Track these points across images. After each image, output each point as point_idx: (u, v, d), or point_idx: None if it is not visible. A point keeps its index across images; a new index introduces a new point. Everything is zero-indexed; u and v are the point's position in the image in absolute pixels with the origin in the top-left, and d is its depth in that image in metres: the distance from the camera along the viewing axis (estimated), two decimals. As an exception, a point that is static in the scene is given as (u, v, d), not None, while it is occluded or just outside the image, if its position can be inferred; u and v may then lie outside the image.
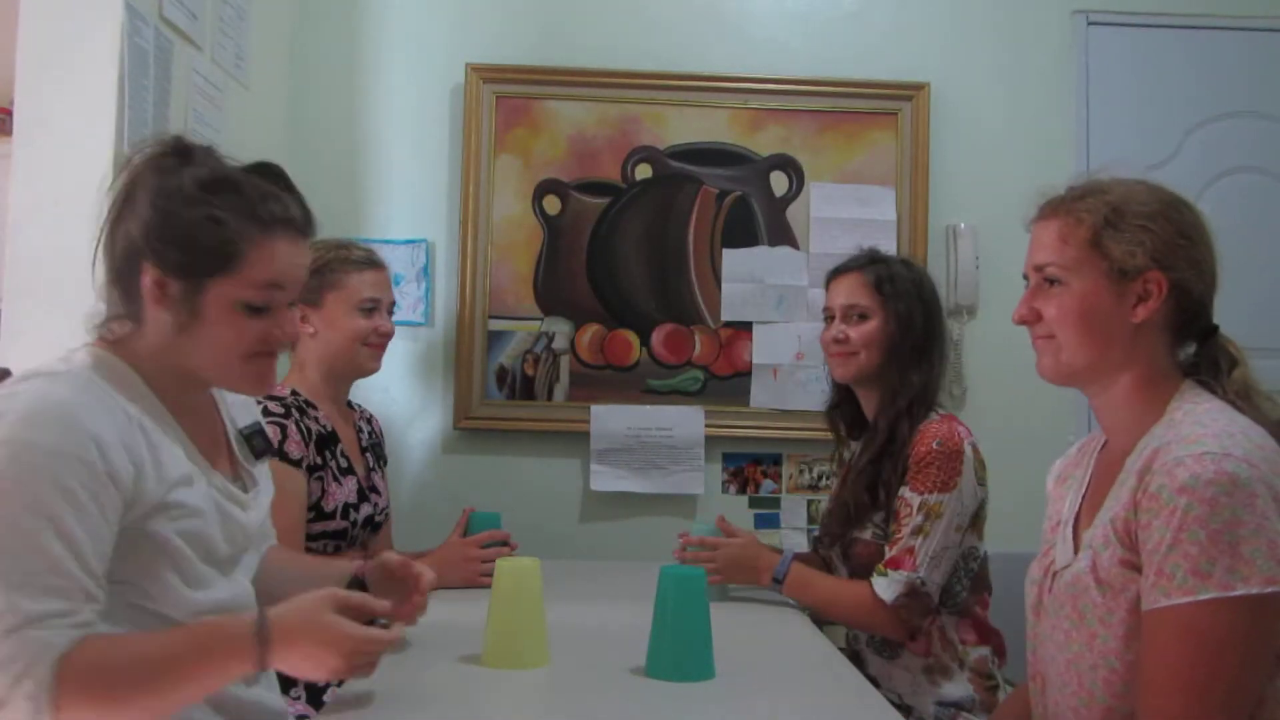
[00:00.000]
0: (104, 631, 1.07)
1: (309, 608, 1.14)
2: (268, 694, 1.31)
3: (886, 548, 1.76)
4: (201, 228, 1.15)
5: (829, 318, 1.95)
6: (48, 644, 1.01)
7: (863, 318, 1.89)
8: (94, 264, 1.21)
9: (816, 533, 2.06)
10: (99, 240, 1.20)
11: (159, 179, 1.16)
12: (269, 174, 1.24)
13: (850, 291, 1.91)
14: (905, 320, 1.86)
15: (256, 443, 1.37)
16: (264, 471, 1.39)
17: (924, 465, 1.75)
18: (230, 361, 1.20)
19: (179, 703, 1.10)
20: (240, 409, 1.39)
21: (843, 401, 2.01)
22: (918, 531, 1.72)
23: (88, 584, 1.05)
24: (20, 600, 1.00)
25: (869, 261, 1.94)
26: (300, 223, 1.23)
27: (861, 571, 1.84)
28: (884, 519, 1.82)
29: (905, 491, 1.76)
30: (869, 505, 1.84)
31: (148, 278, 1.16)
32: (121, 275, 1.18)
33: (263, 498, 1.36)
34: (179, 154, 1.19)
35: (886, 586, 1.73)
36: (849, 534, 1.87)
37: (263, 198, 1.19)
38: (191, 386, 1.26)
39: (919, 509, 1.73)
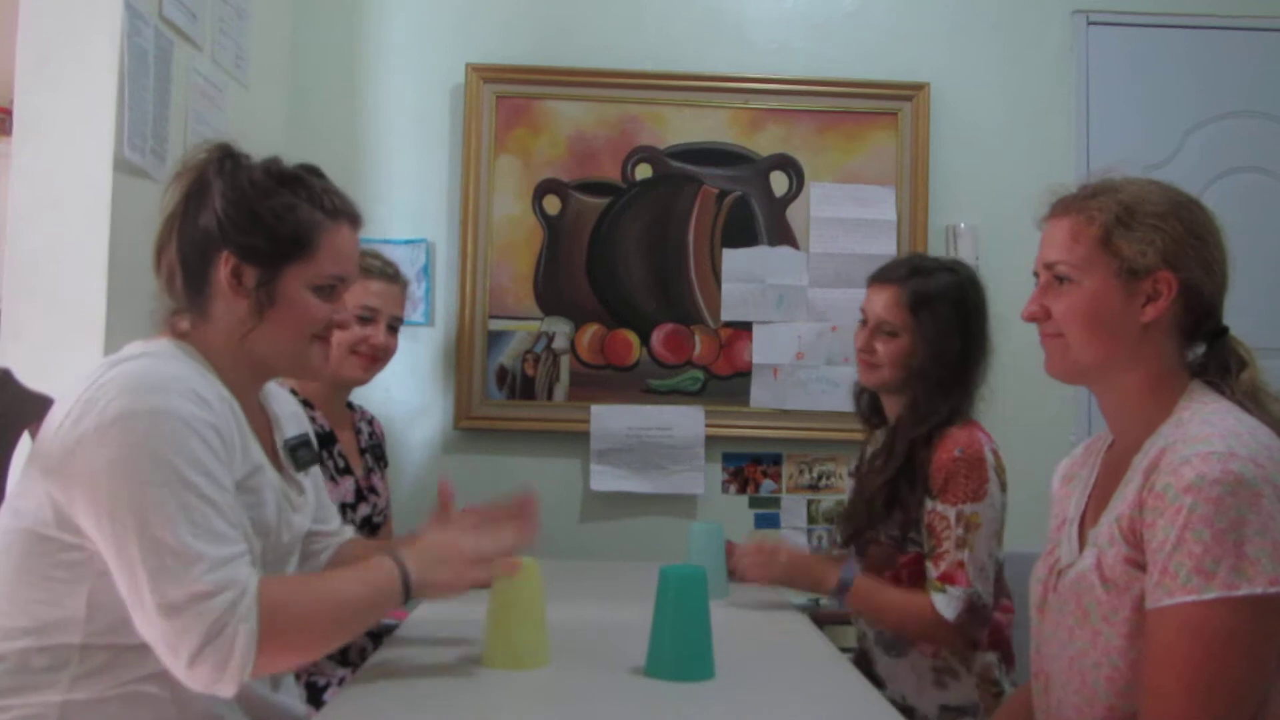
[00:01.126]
0: None
1: (426, 543, 1.30)
2: (289, 698, 1.34)
3: (929, 563, 1.72)
4: (280, 216, 1.23)
5: (863, 320, 1.91)
6: (245, 579, 1.08)
7: (892, 335, 1.83)
8: (156, 259, 1.26)
9: (833, 529, 2.03)
10: (162, 241, 1.25)
11: (226, 177, 1.23)
12: (315, 171, 1.32)
13: (885, 305, 1.85)
14: (938, 346, 1.80)
15: (302, 454, 1.40)
16: (309, 484, 1.42)
17: (951, 476, 1.71)
18: (300, 343, 1.28)
19: (350, 638, 1.24)
20: (290, 420, 1.42)
21: (868, 393, 1.98)
22: (962, 544, 1.68)
23: (240, 526, 1.14)
24: (207, 547, 1.07)
25: (910, 274, 1.85)
26: (356, 215, 1.33)
27: (874, 571, 1.85)
28: (898, 526, 1.80)
29: (937, 505, 1.72)
30: (884, 517, 1.81)
31: (224, 268, 1.22)
32: (192, 269, 1.23)
33: (309, 505, 1.39)
34: (234, 156, 1.26)
35: (947, 604, 1.67)
36: (863, 536, 1.87)
37: (325, 190, 1.28)
38: (252, 381, 1.31)
39: (957, 521, 1.69)
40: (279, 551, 1.29)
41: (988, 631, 1.75)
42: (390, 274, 2.03)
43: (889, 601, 1.78)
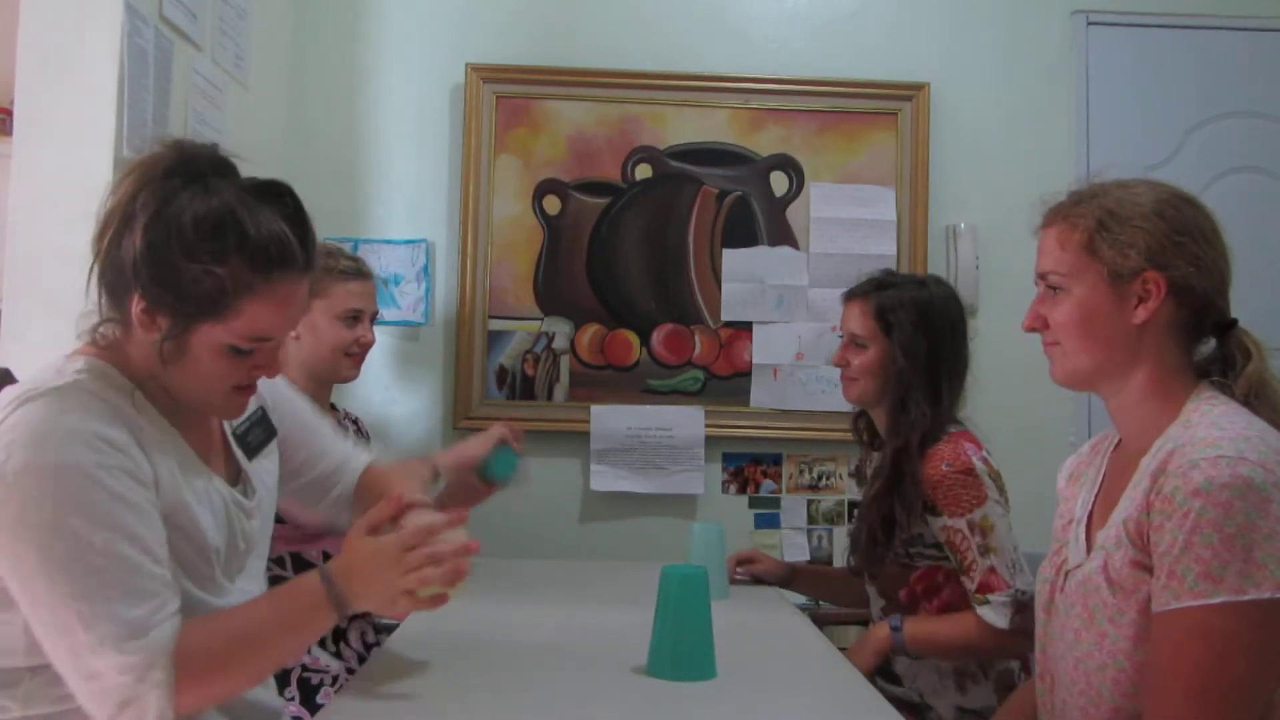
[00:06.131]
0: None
1: (348, 548, 1.20)
2: (266, 693, 1.32)
3: (964, 579, 1.74)
4: (196, 277, 1.10)
5: (843, 339, 1.97)
6: (160, 640, 1.05)
7: (861, 347, 1.89)
8: (91, 268, 1.18)
9: (848, 560, 2.06)
10: (94, 246, 1.17)
11: (158, 205, 1.10)
12: (276, 196, 1.16)
13: (854, 319, 1.92)
14: (907, 352, 1.83)
15: (254, 435, 1.35)
16: (264, 470, 1.36)
17: (948, 490, 1.74)
18: (211, 395, 1.19)
19: (276, 667, 1.22)
20: None
21: (865, 416, 2.02)
22: (986, 551, 1.71)
23: (164, 575, 1.09)
24: (121, 610, 1.04)
25: (875, 288, 1.92)
26: (303, 263, 1.17)
27: (889, 591, 1.87)
28: (901, 544, 1.82)
29: (946, 520, 1.74)
30: (885, 541, 1.83)
31: (136, 306, 1.12)
32: (110, 290, 1.15)
33: (264, 504, 1.35)
34: (183, 173, 1.13)
35: (997, 614, 1.69)
36: (873, 565, 1.88)
37: (264, 243, 1.12)
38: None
39: (971, 530, 1.72)
40: (235, 562, 1.25)
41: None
42: (365, 271, 2.05)
43: (943, 634, 1.77)
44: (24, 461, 1.04)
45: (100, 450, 1.07)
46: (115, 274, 1.13)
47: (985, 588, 1.70)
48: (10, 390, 1.11)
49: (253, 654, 1.15)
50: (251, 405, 1.36)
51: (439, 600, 1.20)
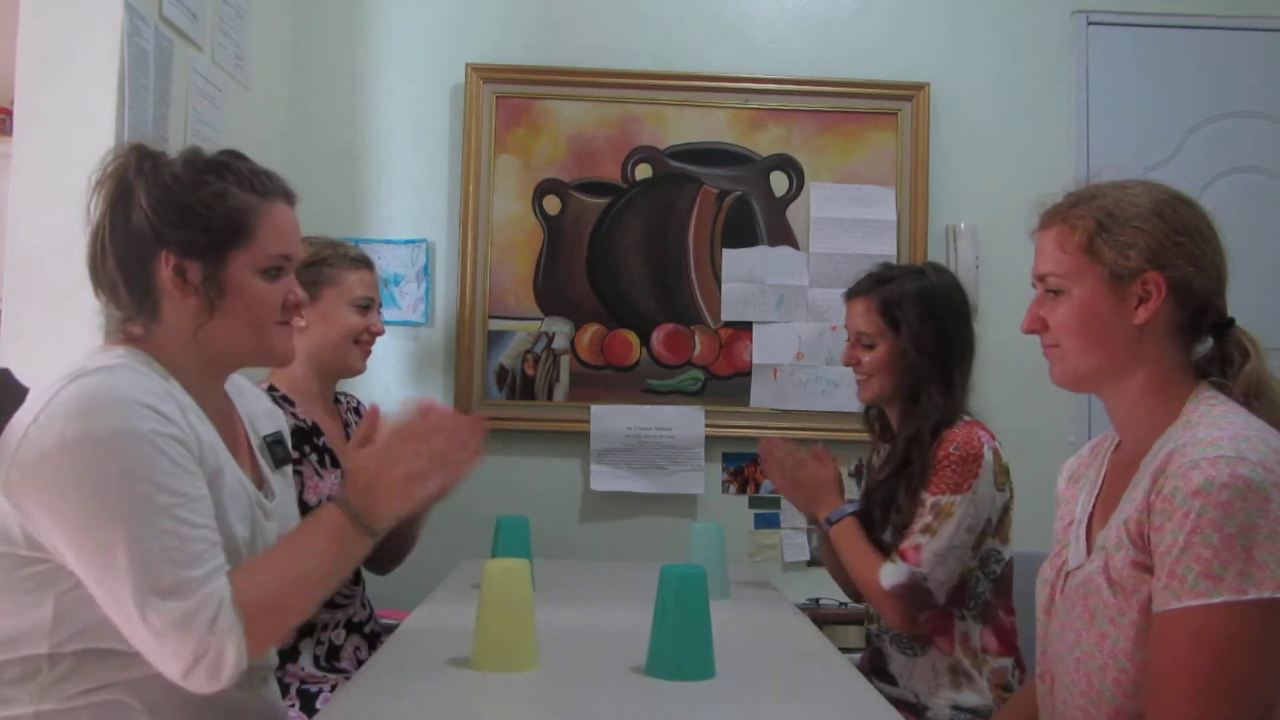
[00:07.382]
0: None
1: (348, 470, 1.26)
2: (268, 694, 1.32)
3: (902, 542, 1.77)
4: (211, 205, 1.19)
5: (849, 338, 1.96)
6: (214, 593, 1.08)
7: (870, 345, 1.89)
8: (93, 273, 1.21)
9: None
10: (95, 254, 1.21)
11: (148, 176, 1.20)
12: (236, 156, 1.28)
13: (859, 318, 1.91)
14: (916, 343, 1.84)
15: (277, 452, 1.38)
16: (283, 482, 1.39)
17: (942, 469, 1.76)
18: (262, 330, 1.25)
19: (329, 594, 1.24)
20: (263, 418, 1.40)
21: (876, 407, 2.02)
22: (926, 530, 1.73)
23: (215, 535, 1.12)
24: (185, 572, 1.07)
25: (875, 284, 1.91)
26: (289, 192, 1.29)
27: None
28: (900, 529, 1.82)
29: (923, 493, 1.77)
30: (881, 520, 1.86)
31: (166, 268, 1.18)
32: (132, 274, 1.19)
33: (282, 511, 1.36)
34: (154, 156, 1.23)
35: (890, 574, 1.74)
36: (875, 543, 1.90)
37: (251, 172, 1.24)
38: (214, 378, 1.28)
39: (930, 508, 1.74)
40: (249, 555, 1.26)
41: (929, 617, 1.78)
42: (370, 262, 2.06)
43: (858, 552, 1.84)
44: (85, 429, 1.07)
45: (155, 418, 1.10)
46: (134, 248, 1.19)
47: (901, 553, 1.74)
48: (58, 376, 1.13)
49: (307, 589, 1.18)
50: (274, 426, 1.41)
51: (451, 475, 1.27)
